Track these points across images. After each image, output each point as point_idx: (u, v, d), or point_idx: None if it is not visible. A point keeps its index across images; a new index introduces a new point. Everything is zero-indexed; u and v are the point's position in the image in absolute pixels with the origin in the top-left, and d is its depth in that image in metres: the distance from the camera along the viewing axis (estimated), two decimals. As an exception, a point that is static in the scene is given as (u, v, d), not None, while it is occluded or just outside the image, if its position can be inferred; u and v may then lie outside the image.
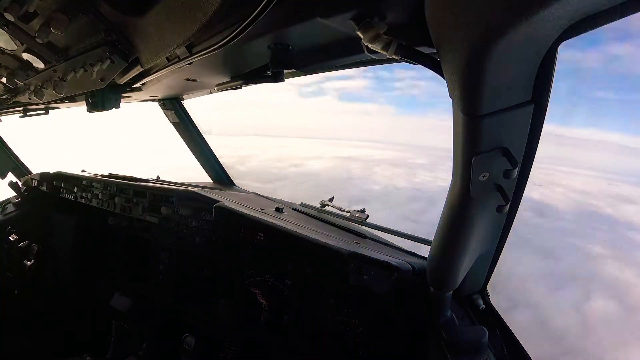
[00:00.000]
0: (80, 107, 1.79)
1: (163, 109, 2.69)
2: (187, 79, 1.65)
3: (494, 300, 1.56)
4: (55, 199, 2.76)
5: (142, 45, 1.06)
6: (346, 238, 1.99)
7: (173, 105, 2.62)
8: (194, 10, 0.80)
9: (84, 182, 2.62)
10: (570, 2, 0.55)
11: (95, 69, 1.10)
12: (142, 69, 1.19)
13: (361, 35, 0.84)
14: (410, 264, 1.57)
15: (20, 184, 2.92)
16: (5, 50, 1.12)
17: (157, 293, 2.28)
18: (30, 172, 3.08)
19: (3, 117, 2.50)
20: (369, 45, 0.85)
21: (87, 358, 2.09)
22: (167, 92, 2.28)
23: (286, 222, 1.93)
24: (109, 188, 2.47)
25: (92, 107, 1.66)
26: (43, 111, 2.32)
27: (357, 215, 2.28)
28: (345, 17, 0.83)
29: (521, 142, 0.92)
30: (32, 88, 1.44)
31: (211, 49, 0.96)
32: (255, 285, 1.96)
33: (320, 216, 2.42)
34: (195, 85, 1.83)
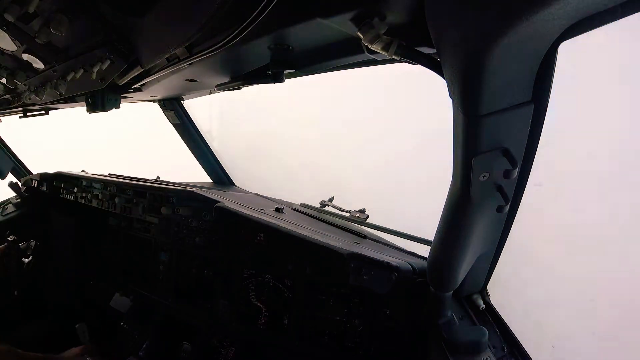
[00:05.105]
0: (80, 108, 1.80)
1: (163, 110, 2.69)
2: (187, 80, 1.65)
3: (494, 299, 1.56)
4: (55, 199, 2.76)
5: (142, 45, 1.06)
6: (346, 238, 1.99)
7: (173, 106, 2.62)
8: (194, 11, 0.81)
9: (84, 183, 2.62)
10: (570, 2, 0.55)
11: (95, 69, 1.10)
12: (142, 70, 1.19)
13: (361, 36, 0.84)
14: (410, 264, 1.57)
15: (20, 184, 2.92)
16: (5, 51, 1.12)
17: (157, 293, 2.28)
18: (30, 172, 3.08)
19: (3, 117, 2.50)
20: (369, 46, 0.85)
21: (87, 358, 2.09)
22: (167, 93, 2.29)
23: (286, 222, 1.93)
24: (109, 188, 2.47)
25: (92, 108, 1.66)
26: (43, 111, 2.32)
27: (357, 215, 2.28)
28: (345, 18, 0.83)
29: (521, 142, 0.92)
30: (32, 88, 1.44)
31: (211, 49, 0.96)
32: (255, 285, 1.96)
33: (320, 216, 2.42)
34: (196, 86, 1.83)
